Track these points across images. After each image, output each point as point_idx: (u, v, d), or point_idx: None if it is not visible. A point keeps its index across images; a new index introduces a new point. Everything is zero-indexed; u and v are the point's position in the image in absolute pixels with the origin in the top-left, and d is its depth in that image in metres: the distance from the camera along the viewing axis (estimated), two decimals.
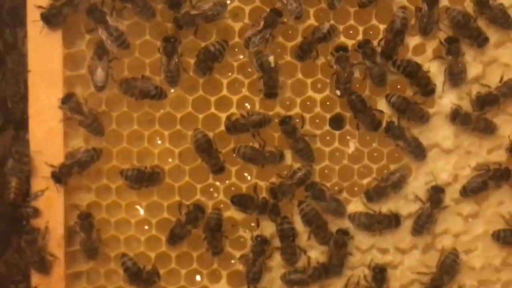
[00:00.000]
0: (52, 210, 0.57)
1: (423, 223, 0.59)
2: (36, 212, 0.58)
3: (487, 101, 0.58)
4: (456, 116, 0.58)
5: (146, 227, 0.61)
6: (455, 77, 0.58)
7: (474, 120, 0.58)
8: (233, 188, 0.61)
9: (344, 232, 0.59)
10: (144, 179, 0.58)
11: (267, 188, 0.59)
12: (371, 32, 0.58)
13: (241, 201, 0.59)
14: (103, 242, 0.59)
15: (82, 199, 0.60)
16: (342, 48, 0.56)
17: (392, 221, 0.58)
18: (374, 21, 0.58)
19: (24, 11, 0.57)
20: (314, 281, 0.61)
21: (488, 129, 0.58)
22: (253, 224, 0.61)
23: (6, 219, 0.60)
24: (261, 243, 0.59)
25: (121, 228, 0.61)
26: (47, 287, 0.58)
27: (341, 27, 0.58)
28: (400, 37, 0.56)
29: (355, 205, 0.60)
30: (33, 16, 0.55)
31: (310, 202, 0.58)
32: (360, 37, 0.58)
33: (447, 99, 0.59)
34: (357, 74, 0.58)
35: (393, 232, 0.60)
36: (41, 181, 0.57)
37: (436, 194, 0.58)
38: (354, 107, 0.57)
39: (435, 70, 0.57)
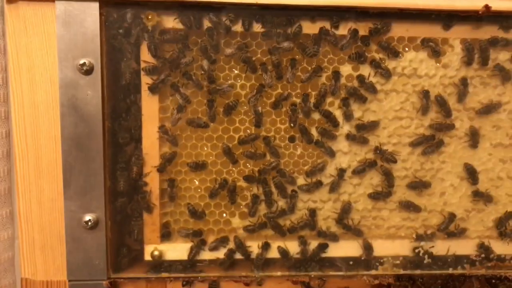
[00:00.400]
0: (153, 182, 0.93)
1: (335, 187, 0.97)
2: (146, 184, 0.92)
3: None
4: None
5: (199, 190, 0.95)
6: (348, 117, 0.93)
7: (358, 137, 0.94)
8: (241, 171, 0.95)
9: (294, 191, 0.96)
10: (198, 166, 0.93)
11: (258, 170, 0.95)
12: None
13: (248, 178, 0.95)
14: (178, 196, 0.95)
15: (168, 177, 0.94)
16: (293, 104, 0.93)
17: (319, 186, 0.96)
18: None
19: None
20: (280, 216, 0.97)
21: (364, 142, 0.95)
22: (251, 190, 0.96)
23: (128, 193, 0.93)
24: (255, 197, 0.95)
25: (186, 190, 0.95)
26: (151, 220, 0.94)
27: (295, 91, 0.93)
28: (324, 97, 0.93)
29: (301, 180, 0.96)
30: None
31: (279, 178, 0.95)
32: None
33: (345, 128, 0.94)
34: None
35: (319, 191, 0.98)
36: (148, 168, 0.92)
37: (341, 172, 0.96)
38: (300, 131, 0.94)
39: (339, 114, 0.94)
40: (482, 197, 0.99)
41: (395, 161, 0.96)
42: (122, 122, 0.93)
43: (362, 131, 0.95)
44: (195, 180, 0.97)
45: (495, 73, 0.95)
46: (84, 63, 0.85)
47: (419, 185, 0.98)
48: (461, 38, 0.94)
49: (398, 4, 0.87)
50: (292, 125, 0.95)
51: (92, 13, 0.85)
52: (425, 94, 0.94)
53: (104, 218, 0.90)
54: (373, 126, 0.95)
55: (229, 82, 0.94)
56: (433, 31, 0.94)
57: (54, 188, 0.90)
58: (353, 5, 0.87)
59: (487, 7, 0.87)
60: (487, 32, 0.95)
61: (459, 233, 1.00)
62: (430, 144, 0.97)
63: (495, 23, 0.94)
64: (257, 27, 0.91)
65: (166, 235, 0.98)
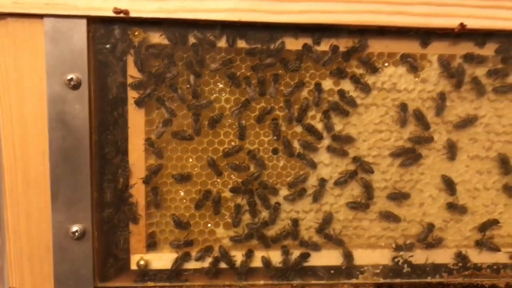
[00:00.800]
0: (139, 194, 0.95)
1: (317, 196, 0.99)
2: (132, 195, 0.94)
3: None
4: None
5: (184, 200, 0.98)
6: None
7: (338, 150, 0.98)
8: (226, 182, 0.98)
9: (278, 204, 0.99)
10: (183, 178, 0.95)
11: (242, 181, 0.97)
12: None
13: (234, 190, 0.97)
14: (162, 204, 0.97)
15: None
16: (274, 119, 0.95)
17: (303, 194, 0.98)
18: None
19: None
20: (262, 227, 0.99)
21: (344, 154, 0.98)
22: (235, 201, 0.99)
23: (114, 204, 0.95)
24: (238, 207, 0.97)
25: (172, 201, 0.98)
26: (137, 230, 0.96)
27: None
28: (306, 111, 0.95)
29: (283, 191, 0.99)
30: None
31: (261, 190, 0.97)
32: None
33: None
34: None
35: (302, 202, 1.00)
36: (135, 180, 0.94)
37: (322, 182, 0.98)
38: (283, 144, 0.96)
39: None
40: (456, 208, 1.01)
41: (372, 171, 0.98)
42: (109, 135, 0.95)
43: (338, 142, 0.97)
44: (180, 192, 1.00)
45: (472, 86, 0.98)
46: (72, 78, 0.88)
47: (399, 196, 1.01)
48: (439, 54, 0.97)
49: (377, 22, 0.90)
50: (275, 138, 0.97)
51: (79, 30, 0.87)
52: (403, 107, 0.97)
53: (91, 228, 0.92)
54: (349, 138, 0.98)
55: (214, 96, 0.97)
56: (412, 47, 0.97)
57: (42, 199, 0.91)
58: (334, 23, 0.89)
59: (462, 25, 0.90)
60: (464, 48, 0.98)
61: (437, 243, 1.02)
62: (408, 156, 1.00)
63: (472, 40, 0.97)
64: (241, 43, 0.94)
65: (152, 245, 1.00)
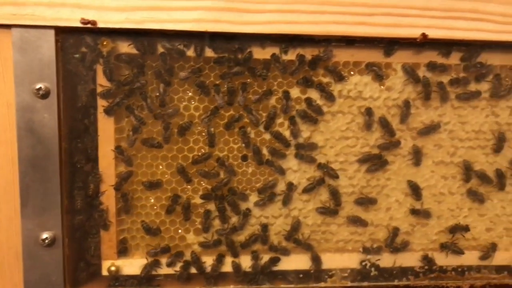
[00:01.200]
0: (110, 201, 0.97)
1: (286, 200, 1.00)
2: (102, 202, 0.96)
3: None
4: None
5: (155, 207, 1.00)
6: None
7: (305, 156, 1.02)
8: (196, 189, 1.00)
9: (248, 210, 1.00)
10: (153, 185, 0.97)
11: (211, 188, 0.98)
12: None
13: (204, 196, 0.99)
14: (132, 209, 0.99)
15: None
16: (242, 127, 0.97)
17: (273, 198, 1.00)
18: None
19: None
20: (232, 233, 1.01)
21: (311, 161, 1.00)
22: (205, 207, 1.01)
23: (85, 211, 0.97)
24: (208, 212, 0.99)
25: (141, 208, 1.00)
26: (108, 236, 0.98)
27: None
28: (274, 119, 0.97)
29: (253, 197, 1.01)
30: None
31: (231, 196, 0.99)
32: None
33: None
34: None
35: (271, 208, 1.02)
36: (104, 187, 0.96)
37: (290, 186, 1.00)
38: (253, 151, 0.98)
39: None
40: (419, 214, 1.04)
41: (337, 176, 1.01)
42: (79, 143, 0.96)
43: (301, 150, 1.00)
44: (150, 198, 1.01)
45: (436, 90, 1.01)
46: (41, 87, 0.89)
47: (366, 201, 1.04)
48: (403, 63, 1.00)
49: (341, 33, 0.92)
50: (244, 145, 0.99)
51: (48, 40, 0.88)
52: (368, 111, 1.00)
53: (61, 235, 0.94)
54: (313, 145, 1.00)
55: (183, 104, 0.99)
56: (377, 56, 0.99)
57: (11, 207, 0.92)
58: (298, 33, 0.91)
59: (424, 35, 0.93)
60: (428, 57, 1.00)
61: (402, 247, 1.05)
62: (375, 162, 1.02)
63: (435, 49, 1.00)
64: (210, 52, 0.95)
65: (123, 251, 1.02)
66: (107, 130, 0.97)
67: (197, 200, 1.02)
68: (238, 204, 1.02)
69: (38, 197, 0.92)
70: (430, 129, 1.03)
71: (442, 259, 1.08)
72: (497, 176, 1.05)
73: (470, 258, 1.08)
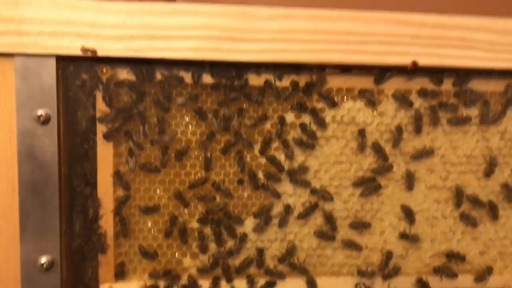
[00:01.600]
0: (108, 225, 0.98)
1: (283, 223, 1.02)
2: (100, 226, 0.97)
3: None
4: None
5: (152, 231, 1.02)
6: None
7: (300, 180, 1.13)
8: (192, 213, 1.03)
9: (244, 234, 1.02)
10: (149, 210, 0.99)
11: (206, 211, 1.01)
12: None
13: (201, 220, 1.00)
14: (129, 232, 1.00)
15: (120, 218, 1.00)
16: (238, 151, 1.07)
17: (268, 221, 1.01)
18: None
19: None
20: (228, 256, 1.02)
21: (306, 185, 1.06)
22: (202, 230, 1.04)
23: (83, 235, 0.98)
24: (203, 235, 1.01)
25: (139, 232, 1.02)
26: (106, 260, 0.99)
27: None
28: (269, 143, 1.00)
29: (249, 221, 1.02)
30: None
31: (227, 220, 1.02)
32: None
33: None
34: None
35: (267, 232, 1.04)
36: (103, 210, 0.98)
37: (287, 208, 1.01)
38: (249, 175, 1.00)
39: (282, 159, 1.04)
40: (408, 238, 1.05)
41: (331, 198, 1.02)
42: (78, 168, 0.98)
43: (294, 175, 1.01)
44: (148, 222, 1.03)
45: (427, 112, 1.03)
46: (41, 114, 0.91)
47: (360, 225, 1.05)
48: (394, 90, 1.02)
49: (334, 61, 0.95)
50: (240, 169, 1.01)
51: (49, 67, 0.91)
52: (361, 133, 1.02)
53: (59, 259, 0.95)
54: (304, 169, 1.01)
55: (180, 129, 1.01)
56: (369, 82, 1.02)
57: (10, 231, 0.94)
58: (292, 61, 0.94)
59: (414, 63, 0.96)
60: (419, 83, 1.03)
61: (395, 272, 1.06)
62: (369, 186, 1.04)
63: (426, 75, 1.02)
64: (207, 78, 0.98)
65: (120, 274, 1.03)
66: (106, 155, 0.99)
67: (194, 225, 1.03)
68: (234, 228, 1.03)
69: (37, 222, 0.94)
70: (423, 154, 1.05)
71: (437, 283, 1.08)
72: (489, 207, 1.07)
73: (465, 281, 1.09)
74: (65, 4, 0.88)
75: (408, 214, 1.06)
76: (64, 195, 0.97)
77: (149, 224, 1.03)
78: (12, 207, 0.94)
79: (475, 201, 1.07)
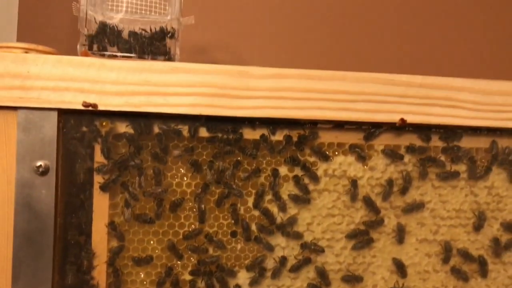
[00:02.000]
0: (101, 276, 1.00)
1: (277, 273, 1.03)
2: (93, 277, 0.99)
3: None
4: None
5: (145, 282, 1.04)
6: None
7: (292, 233, 1.18)
8: (185, 264, 1.05)
9: (237, 287, 1.07)
10: (142, 261, 1.01)
11: (198, 262, 1.05)
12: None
13: (193, 272, 1.02)
14: (122, 284, 1.06)
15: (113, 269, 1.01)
16: (232, 204, 1.13)
17: (263, 274, 1.08)
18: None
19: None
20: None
21: (298, 237, 1.15)
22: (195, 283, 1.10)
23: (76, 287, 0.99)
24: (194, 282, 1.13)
25: (131, 283, 1.03)
26: None
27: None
28: (262, 196, 1.04)
29: (242, 274, 1.05)
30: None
31: (220, 272, 1.03)
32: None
33: None
34: None
35: (261, 285, 1.13)
36: (96, 261, 1.00)
37: (282, 260, 1.07)
38: (242, 227, 1.03)
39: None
40: None
41: (322, 251, 1.03)
42: (74, 218, 0.99)
43: (284, 228, 1.03)
44: (141, 273, 1.02)
45: (416, 167, 1.06)
46: (41, 165, 0.93)
47: (352, 279, 1.06)
48: (384, 146, 1.06)
49: (325, 117, 0.98)
50: (234, 221, 1.02)
51: (50, 120, 0.94)
52: (353, 183, 1.04)
53: None
54: (293, 220, 1.03)
55: (176, 180, 1.02)
56: (360, 138, 1.06)
57: (2, 281, 0.94)
58: (285, 117, 0.98)
59: (402, 120, 1.00)
60: (408, 139, 1.07)
61: None
62: (360, 239, 1.06)
63: (414, 132, 1.06)
64: (203, 131, 1.02)
65: None
66: (101, 206, 1.00)
67: (186, 277, 1.03)
68: (227, 281, 1.03)
69: (29, 273, 0.94)
70: (413, 207, 1.07)
71: None
72: (479, 263, 1.09)
73: None
74: (69, 61, 0.93)
75: (400, 268, 1.07)
76: (58, 246, 0.98)
77: (142, 275, 1.03)
78: (5, 258, 0.94)
79: (466, 255, 1.08)
